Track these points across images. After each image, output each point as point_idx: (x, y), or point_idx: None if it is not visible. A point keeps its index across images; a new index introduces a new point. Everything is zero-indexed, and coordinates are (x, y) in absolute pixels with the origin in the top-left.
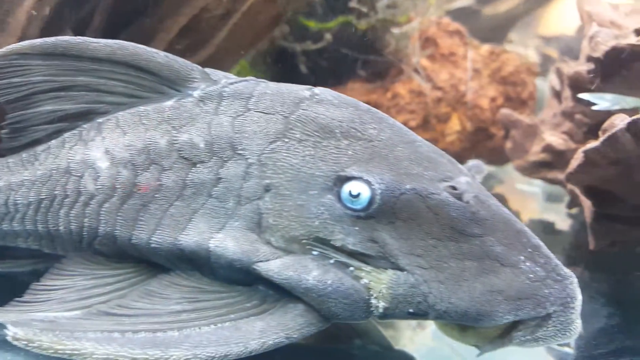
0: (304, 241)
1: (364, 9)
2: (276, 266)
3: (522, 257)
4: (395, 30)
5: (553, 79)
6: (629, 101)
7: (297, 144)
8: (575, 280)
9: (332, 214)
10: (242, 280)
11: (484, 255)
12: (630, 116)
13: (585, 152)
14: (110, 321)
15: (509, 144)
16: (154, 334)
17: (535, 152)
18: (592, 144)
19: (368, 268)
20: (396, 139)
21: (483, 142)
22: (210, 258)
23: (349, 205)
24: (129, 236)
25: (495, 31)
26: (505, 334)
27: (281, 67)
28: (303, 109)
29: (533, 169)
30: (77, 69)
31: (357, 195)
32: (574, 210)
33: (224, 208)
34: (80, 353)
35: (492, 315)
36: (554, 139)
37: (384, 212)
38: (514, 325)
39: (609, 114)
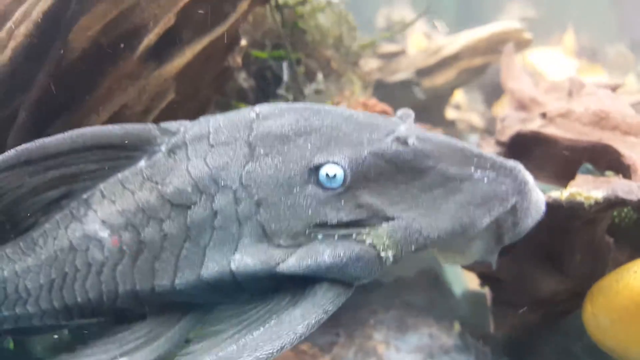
0: (306, 231)
1: (290, 96)
2: (294, 261)
3: (472, 168)
4: None
5: None
6: None
7: (266, 157)
8: (521, 167)
9: (319, 200)
10: (269, 283)
11: (444, 179)
12: None
13: None
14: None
15: None
16: (216, 356)
17: None
18: None
19: (366, 230)
20: (338, 120)
21: None
22: (235, 278)
23: (329, 186)
24: (151, 287)
25: (435, 101)
26: (496, 239)
27: None
28: (256, 128)
29: None
30: (45, 167)
31: (334, 176)
32: None
33: (230, 234)
34: None
35: (474, 223)
36: None
37: (357, 180)
38: (497, 229)
39: None
